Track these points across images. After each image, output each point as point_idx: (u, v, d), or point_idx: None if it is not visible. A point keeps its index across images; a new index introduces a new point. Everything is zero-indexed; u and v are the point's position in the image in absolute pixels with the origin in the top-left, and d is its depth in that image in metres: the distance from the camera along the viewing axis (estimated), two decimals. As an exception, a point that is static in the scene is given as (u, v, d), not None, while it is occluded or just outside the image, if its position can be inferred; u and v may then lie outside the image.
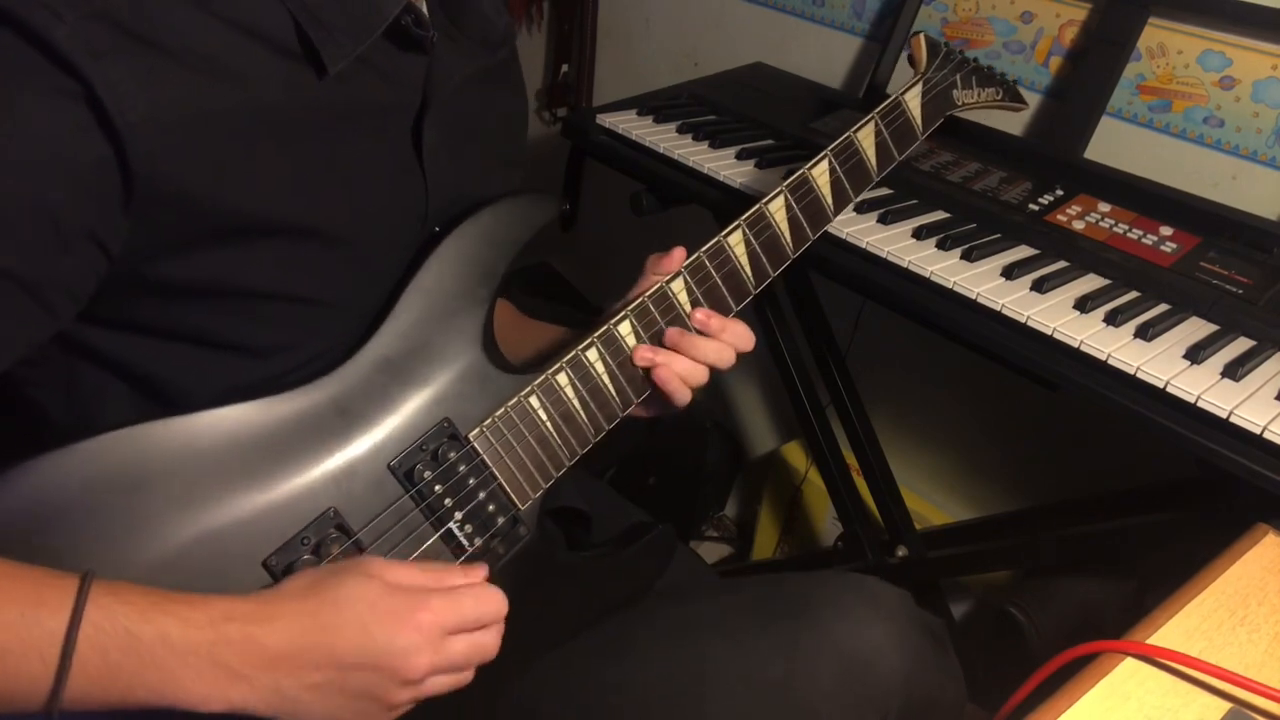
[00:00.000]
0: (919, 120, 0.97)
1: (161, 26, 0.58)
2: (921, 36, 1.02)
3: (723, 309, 0.83)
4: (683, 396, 0.81)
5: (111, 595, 0.56)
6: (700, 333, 0.81)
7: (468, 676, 0.67)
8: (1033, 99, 1.39)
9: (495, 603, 0.67)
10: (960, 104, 1.03)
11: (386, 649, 0.61)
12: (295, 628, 0.59)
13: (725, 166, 1.24)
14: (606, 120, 1.35)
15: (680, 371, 0.80)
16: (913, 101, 0.97)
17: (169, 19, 0.59)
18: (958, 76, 1.03)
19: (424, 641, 0.62)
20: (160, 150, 0.58)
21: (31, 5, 0.54)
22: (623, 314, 0.78)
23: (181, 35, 0.59)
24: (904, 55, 1.42)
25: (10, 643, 0.53)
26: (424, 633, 0.62)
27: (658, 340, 0.80)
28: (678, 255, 0.82)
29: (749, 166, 1.25)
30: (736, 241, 0.83)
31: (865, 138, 0.92)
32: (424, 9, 0.69)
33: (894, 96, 0.96)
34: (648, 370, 0.80)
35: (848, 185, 0.90)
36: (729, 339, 0.82)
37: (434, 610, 0.63)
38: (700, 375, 0.81)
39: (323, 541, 0.67)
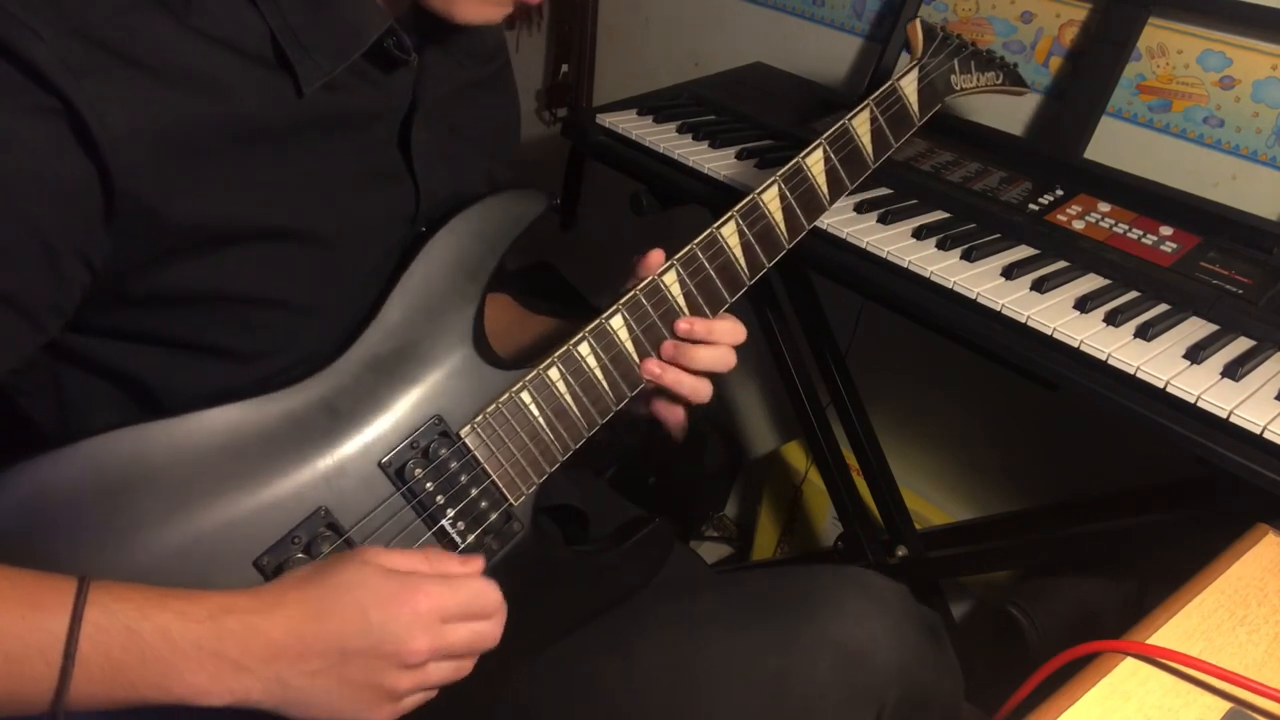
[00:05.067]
0: (916, 106, 0.96)
1: (140, 42, 0.58)
2: (918, 22, 1.01)
3: (717, 301, 0.82)
4: (675, 418, 0.82)
5: (110, 594, 0.56)
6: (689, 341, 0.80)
7: (469, 665, 0.67)
8: (1033, 99, 1.39)
9: (493, 599, 0.67)
10: (959, 89, 1.02)
11: (384, 632, 0.61)
12: (294, 616, 0.60)
13: (725, 166, 1.24)
14: (606, 120, 1.35)
15: (684, 391, 0.80)
16: (909, 87, 0.96)
17: (147, 34, 0.59)
18: (955, 61, 1.02)
19: (422, 625, 0.63)
20: (141, 165, 0.58)
21: (10, 23, 0.54)
22: (614, 307, 0.78)
23: (160, 50, 0.59)
24: (904, 55, 1.42)
25: (12, 646, 0.54)
26: (422, 616, 0.63)
27: (651, 334, 0.79)
28: (655, 256, 0.80)
29: (749, 166, 1.25)
30: (730, 232, 0.82)
31: (860, 125, 0.91)
32: (405, 37, 0.68)
33: (889, 83, 0.95)
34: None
35: (843, 173, 0.89)
36: (720, 338, 0.81)
37: (431, 595, 0.63)
38: (703, 390, 0.81)
39: (314, 540, 0.67)
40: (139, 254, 0.62)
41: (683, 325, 0.80)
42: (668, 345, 0.80)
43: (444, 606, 0.64)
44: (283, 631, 0.59)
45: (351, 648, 0.60)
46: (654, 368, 0.79)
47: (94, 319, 0.65)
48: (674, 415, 0.83)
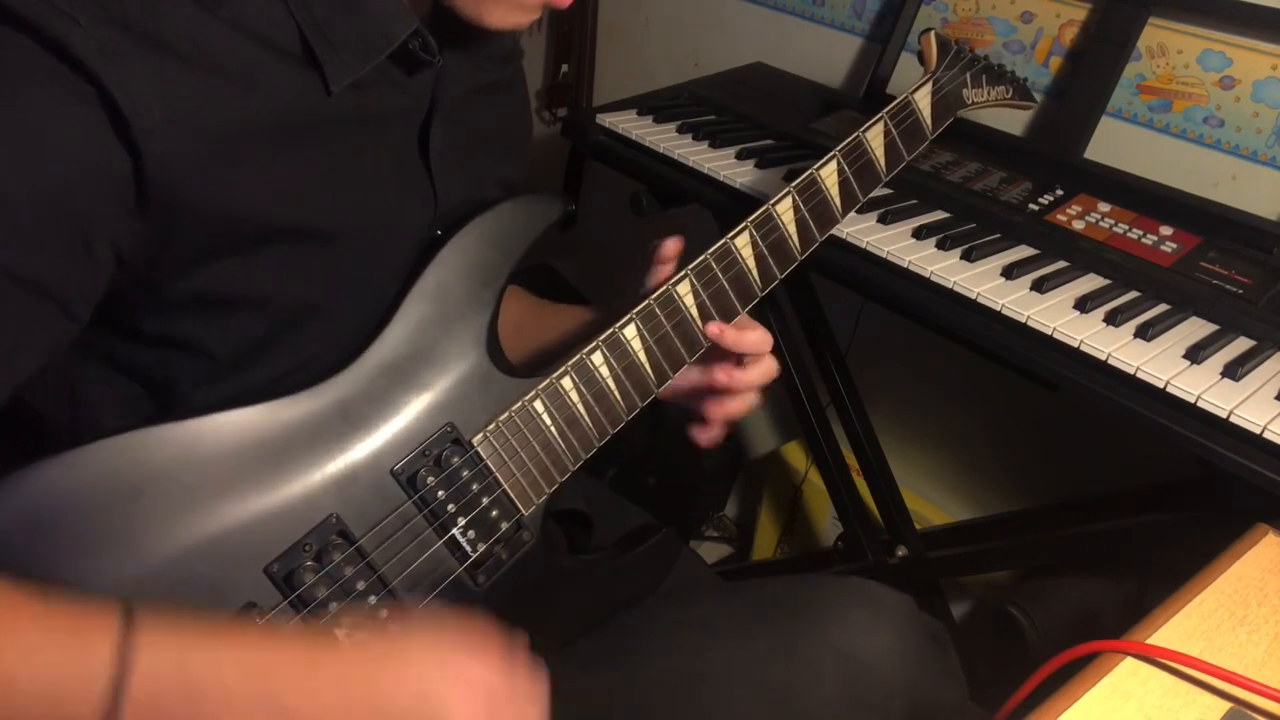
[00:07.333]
0: (929, 120, 0.97)
1: (175, 31, 0.58)
2: (932, 34, 1.01)
3: (729, 312, 0.82)
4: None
5: (159, 632, 0.53)
6: (715, 346, 0.82)
7: None
8: (1032, 99, 1.39)
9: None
10: (970, 103, 1.02)
11: (434, 706, 0.58)
12: (346, 677, 0.57)
13: (725, 166, 1.24)
14: (606, 120, 1.35)
15: (731, 412, 0.86)
16: (922, 101, 0.96)
17: (181, 24, 0.59)
18: (968, 75, 1.02)
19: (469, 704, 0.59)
20: (175, 154, 0.58)
21: (48, 11, 0.54)
22: (628, 317, 0.78)
23: (194, 40, 0.59)
24: (904, 56, 1.43)
25: (57, 688, 0.51)
26: (476, 704, 0.59)
27: (664, 344, 0.79)
28: (671, 244, 0.83)
29: (749, 166, 1.25)
30: (743, 243, 0.82)
31: (874, 138, 0.91)
32: (430, 38, 0.68)
33: (903, 96, 0.95)
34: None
35: (856, 186, 0.89)
36: (750, 346, 0.83)
37: (488, 680, 0.60)
38: (749, 403, 0.87)
39: (324, 548, 0.67)
40: (165, 246, 0.61)
41: (713, 329, 0.81)
42: (720, 374, 0.84)
43: (494, 690, 0.60)
44: (334, 690, 0.56)
45: (397, 709, 0.57)
46: (722, 376, 0.84)
47: (113, 317, 0.64)
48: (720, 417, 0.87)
